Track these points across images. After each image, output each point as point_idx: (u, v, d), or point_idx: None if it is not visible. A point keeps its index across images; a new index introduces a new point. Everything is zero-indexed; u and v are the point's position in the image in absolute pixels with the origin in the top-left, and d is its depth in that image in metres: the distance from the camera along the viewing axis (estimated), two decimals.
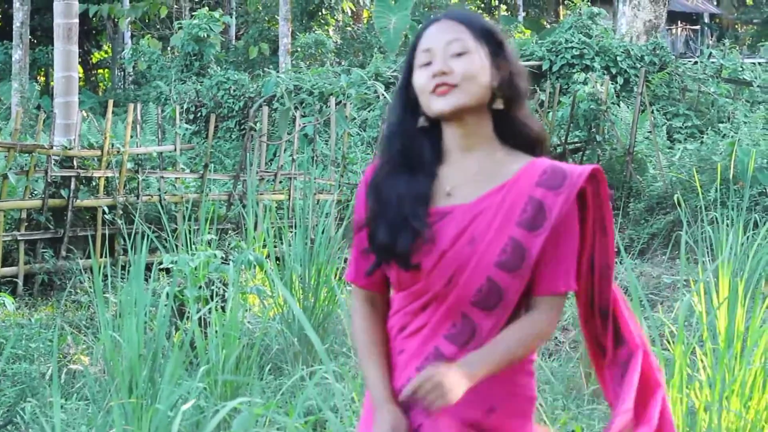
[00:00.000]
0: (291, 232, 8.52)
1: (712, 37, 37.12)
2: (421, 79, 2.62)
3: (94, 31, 36.33)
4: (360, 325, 2.78)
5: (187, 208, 11.73)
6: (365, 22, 34.04)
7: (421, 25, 2.74)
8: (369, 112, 20.28)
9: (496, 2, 44.26)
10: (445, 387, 2.44)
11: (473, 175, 2.65)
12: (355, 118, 19.41)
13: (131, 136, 12.04)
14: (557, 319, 2.66)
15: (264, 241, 8.58)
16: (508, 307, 2.60)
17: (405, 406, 2.62)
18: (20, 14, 25.82)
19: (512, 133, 2.68)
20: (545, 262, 2.60)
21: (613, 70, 22.04)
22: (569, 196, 2.57)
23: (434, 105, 2.59)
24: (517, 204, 2.58)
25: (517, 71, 2.67)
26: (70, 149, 11.06)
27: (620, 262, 7.84)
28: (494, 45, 2.65)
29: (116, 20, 32.25)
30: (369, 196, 2.70)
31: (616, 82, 21.67)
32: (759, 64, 24.49)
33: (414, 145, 2.68)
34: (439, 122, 2.68)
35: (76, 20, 12.88)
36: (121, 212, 11.29)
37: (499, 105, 2.65)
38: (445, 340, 2.62)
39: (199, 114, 23.51)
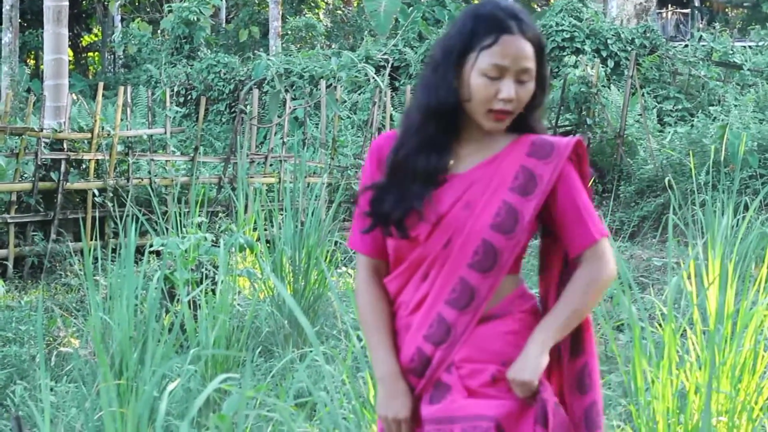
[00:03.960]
0: (281, 214, 8.50)
1: (702, 20, 37.04)
2: (483, 91, 2.66)
3: (84, 15, 36.15)
4: (367, 302, 2.85)
5: (177, 190, 11.73)
6: (355, 5, 33.96)
7: (486, 16, 2.69)
8: (359, 95, 20.27)
9: None
10: (528, 381, 2.61)
11: (473, 149, 2.76)
12: (345, 101, 19.38)
13: (121, 119, 12.00)
14: (610, 262, 2.73)
15: (254, 223, 8.57)
16: (503, 268, 2.70)
17: (409, 380, 2.75)
18: None
19: (519, 126, 2.77)
20: (569, 224, 2.73)
21: (604, 54, 22.01)
22: (558, 165, 2.69)
23: (488, 125, 2.69)
24: (509, 172, 2.71)
25: (546, 75, 2.75)
26: (60, 132, 11.04)
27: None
28: (541, 54, 2.71)
29: (106, 3, 32.10)
30: (384, 165, 2.79)
31: (607, 66, 21.65)
32: (749, 47, 24.46)
33: (443, 125, 2.74)
34: (461, 103, 2.71)
35: (66, 3, 12.85)
36: (111, 195, 11.27)
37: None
38: (446, 306, 2.70)
39: (189, 97, 23.48)
